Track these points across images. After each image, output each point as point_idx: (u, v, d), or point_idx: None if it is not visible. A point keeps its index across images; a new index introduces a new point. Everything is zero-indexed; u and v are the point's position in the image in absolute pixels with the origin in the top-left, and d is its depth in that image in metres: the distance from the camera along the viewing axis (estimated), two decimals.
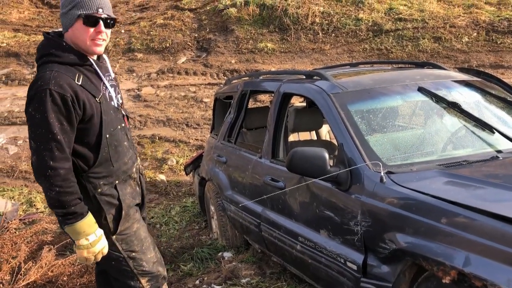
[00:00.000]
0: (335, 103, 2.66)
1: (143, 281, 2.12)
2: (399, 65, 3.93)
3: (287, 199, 2.85)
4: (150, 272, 2.13)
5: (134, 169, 2.15)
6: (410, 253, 2.00)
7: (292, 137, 4.05)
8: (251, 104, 6.60)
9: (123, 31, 10.27)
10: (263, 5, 9.56)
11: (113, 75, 2.11)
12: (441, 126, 2.74)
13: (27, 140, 6.69)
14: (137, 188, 2.17)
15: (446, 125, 2.74)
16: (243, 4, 9.69)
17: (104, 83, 2.01)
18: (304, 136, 4.12)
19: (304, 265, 2.75)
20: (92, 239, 1.90)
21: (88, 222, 1.90)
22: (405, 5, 9.04)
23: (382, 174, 2.17)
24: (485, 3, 8.85)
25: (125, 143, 2.09)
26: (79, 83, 1.88)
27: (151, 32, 9.88)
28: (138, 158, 2.23)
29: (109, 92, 2.03)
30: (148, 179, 5.69)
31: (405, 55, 7.92)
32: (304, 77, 3.24)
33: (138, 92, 8.06)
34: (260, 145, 3.35)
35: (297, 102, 5.09)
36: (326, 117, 2.69)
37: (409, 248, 1.99)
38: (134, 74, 8.76)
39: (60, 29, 2.00)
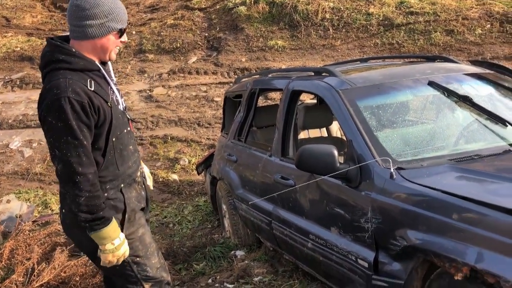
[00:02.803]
0: (344, 100, 2.64)
1: (146, 286, 2.13)
2: (410, 60, 3.88)
3: (297, 197, 2.84)
4: (154, 278, 2.14)
5: (139, 173, 2.17)
6: (421, 249, 1.97)
7: (303, 135, 4.03)
8: (262, 103, 6.59)
9: (134, 32, 10.33)
10: (272, 2, 9.53)
11: (115, 79, 2.13)
12: (452, 121, 2.70)
13: (42, 143, 6.79)
14: (142, 192, 2.18)
15: (458, 119, 2.70)
16: (252, 2, 9.66)
17: (111, 87, 2.03)
18: (314, 133, 4.10)
19: (315, 263, 2.73)
20: (117, 243, 1.94)
21: (114, 227, 1.94)
22: None
23: (392, 170, 2.14)
24: None
25: (131, 147, 2.10)
26: (92, 88, 1.90)
27: (162, 33, 9.92)
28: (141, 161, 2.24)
29: (116, 96, 2.05)
30: (160, 179, 5.72)
31: (417, 49, 7.82)
32: (313, 73, 3.22)
33: (149, 93, 8.10)
34: (270, 143, 3.34)
35: (308, 99, 5.07)
36: (335, 113, 2.67)
37: (420, 244, 1.97)
38: (146, 75, 8.80)
39: (63, 34, 2.02)
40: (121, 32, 1.99)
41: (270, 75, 3.88)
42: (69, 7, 1.95)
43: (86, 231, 1.94)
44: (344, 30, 8.75)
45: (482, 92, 2.84)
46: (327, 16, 8.99)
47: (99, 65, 1.99)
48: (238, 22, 9.59)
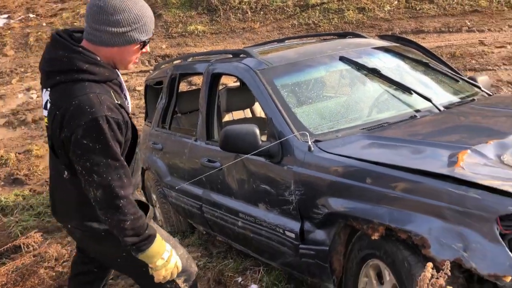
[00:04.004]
0: (262, 79, 2.70)
1: (179, 281, 2.00)
2: (323, 38, 4.02)
3: (225, 179, 2.88)
4: (184, 270, 1.99)
5: (139, 179, 2.09)
6: (341, 215, 2.10)
7: (227, 117, 4.06)
8: (186, 88, 6.53)
9: (44, 24, 9.76)
10: None
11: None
12: (364, 93, 2.86)
13: None
14: (143, 197, 2.11)
15: (369, 91, 2.86)
16: None
17: (125, 94, 1.88)
18: (238, 115, 4.15)
19: (247, 240, 2.80)
20: (167, 256, 1.82)
21: (159, 242, 1.80)
22: None
23: (309, 143, 2.24)
24: None
25: (139, 155, 2.01)
26: (118, 102, 1.73)
27: (75, 23, 9.47)
28: None
29: (128, 103, 1.90)
30: None
31: (332, 28, 8.10)
32: (231, 56, 3.25)
33: None
34: (195, 128, 3.34)
35: (231, 82, 5.10)
36: (254, 93, 2.73)
37: (339, 210, 2.09)
38: None
39: (73, 28, 1.83)
40: (144, 44, 1.78)
41: (190, 60, 3.86)
42: (90, 5, 1.73)
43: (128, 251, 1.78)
44: (262, 12, 8.85)
45: (389, 64, 3.02)
46: None
47: (118, 73, 1.81)
48: (155, 8, 9.36)
